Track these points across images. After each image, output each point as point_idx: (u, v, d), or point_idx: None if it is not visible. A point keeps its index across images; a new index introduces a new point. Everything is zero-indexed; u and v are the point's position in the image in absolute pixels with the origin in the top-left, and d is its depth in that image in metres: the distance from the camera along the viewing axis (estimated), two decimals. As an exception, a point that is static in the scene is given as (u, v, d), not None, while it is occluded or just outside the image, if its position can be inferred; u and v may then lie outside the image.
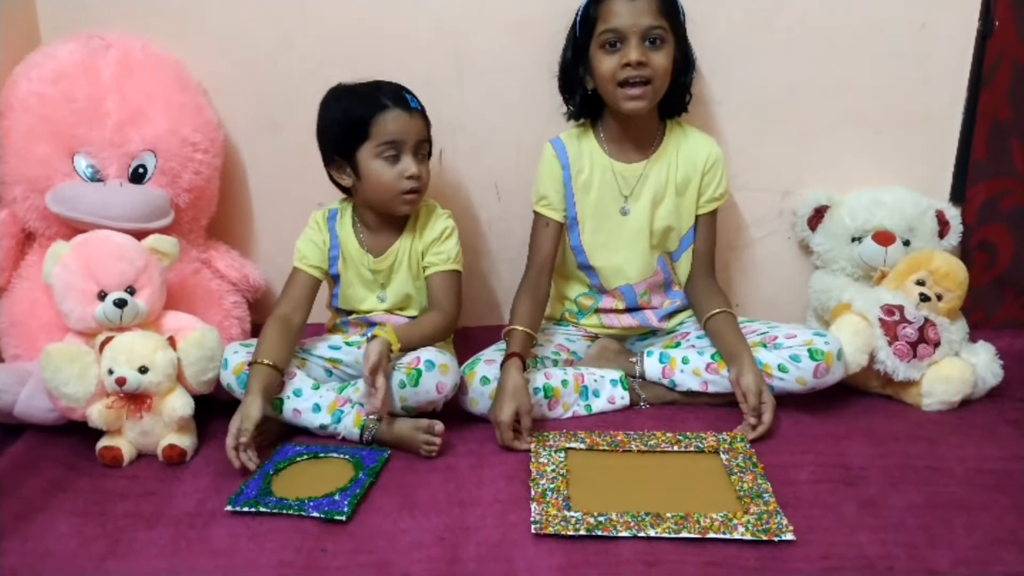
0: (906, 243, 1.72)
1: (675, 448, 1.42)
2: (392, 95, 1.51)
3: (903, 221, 1.71)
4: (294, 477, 1.36)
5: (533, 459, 1.38)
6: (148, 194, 1.59)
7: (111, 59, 1.61)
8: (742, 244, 1.86)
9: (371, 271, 1.59)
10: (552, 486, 1.30)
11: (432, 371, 1.43)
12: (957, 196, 1.80)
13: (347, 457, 1.41)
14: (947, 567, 1.13)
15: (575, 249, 1.66)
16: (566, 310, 1.73)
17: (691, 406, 1.57)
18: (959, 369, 1.57)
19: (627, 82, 1.50)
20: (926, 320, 1.59)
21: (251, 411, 1.36)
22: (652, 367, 1.59)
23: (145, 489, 1.35)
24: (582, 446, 1.43)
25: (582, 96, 1.60)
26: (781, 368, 1.49)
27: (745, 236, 1.86)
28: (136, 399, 1.42)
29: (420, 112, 1.53)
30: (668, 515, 1.22)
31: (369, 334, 1.60)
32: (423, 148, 1.54)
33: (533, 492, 1.29)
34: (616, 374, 1.60)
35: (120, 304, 1.44)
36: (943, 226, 1.75)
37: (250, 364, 1.43)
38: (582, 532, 1.19)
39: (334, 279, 1.62)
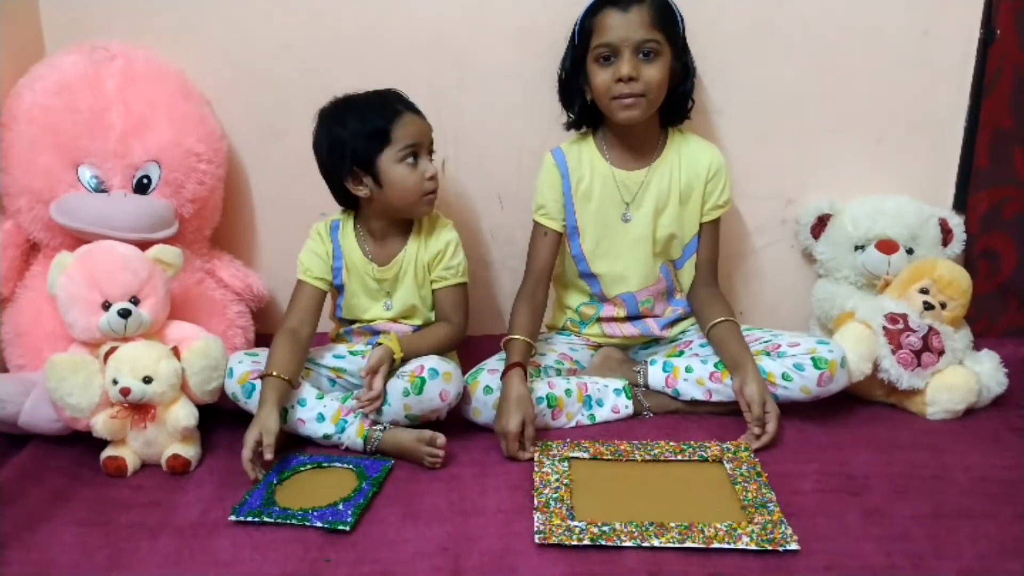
0: (909, 251, 1.72)
1: (679, 457, 1.42)
2: (400, 101, 1.53)
3: (906, 229, 1.71)
4: (298, 487, 1.36)
5: (536, 468, 1.38)
6: (152, 204, 1.59)
7: (115, 70, 1.62)
8: (745, 252, 1.86)
9: (376, 280, 1.59)
10: (555, 496, 1.30)
11: (436, 379, 1.43)
12: (960, 204, 1.80)
13: (351, 467, 1.41)
14: (952, 576, 1.13)
15: (576, 257, 1.66)
16: (568, 319, 1.73)
17: (695, 415, 1.57)
18: (963, 377, 1.57)
19: (620, 95, 1.51)
20: (930, 328, 1.59)
21: (270, 424, 1.36)
22: (655, 376, 1.59)
23: (149, 499, 1.35)
24: (586, 455, 1.43)
25: (581, 106, 1.61)
26: (785, 377, 1.49)
27: (748, 244, 1.86)
28: (140, 409, 1.42)
29: (422, 114, 1.54)
30: (672, 525, 1.21)
31: (373, 343, 1.60)
32: (432, 149, 1.56)
33: (536, 502, 1.28)
34: (619, 383, 1.60)
35: (124, 314, 1.45)
36: (946, 234, 1.75)
37: (262, 377, 1.44)
38: (586, 542, 1.19)
39: (338, 290, 1.62)
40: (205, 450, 1.48)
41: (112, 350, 1.43)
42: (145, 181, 1.61)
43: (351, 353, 1.61)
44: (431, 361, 1.46)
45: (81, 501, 1.35)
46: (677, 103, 1.60)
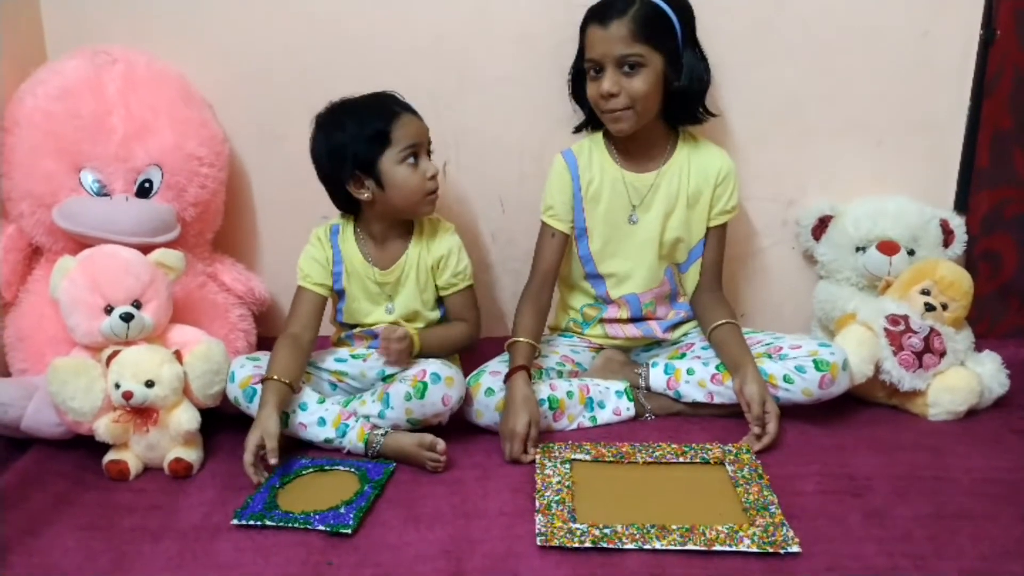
0: (910, 252, 1.72)
1: (680, 459, 1.42)
2: (397, 102, 1.53)
3: (907, 231, 1.71)
4: (300, 490, 1.36)
5: (538, 471, 1.38)
6: (154, 208, 1.60)
7: (116, 74, 1.62)
8: (746, 254, 1.86)
9: (378, 284, 1.59)
10: (557, 498, 1.30)
11: (438, 383, 1.43)
12: (961, 205, 1.79)
13: (353, 470, 1.41)
14: (954, 578, 1.13)
15: (583, 258, 1.66)
16: (570, 320, 1.73)
17: (696, 417, 1.57)
18: (965, 379, 1.57)
19: (607, 110, 1.52)
20: (931, 330, 1.59)
21: (270, 427, 1.36)
22: (657, 378, 1.59)
23: (151, 503, 1.36)
24: (587, 457, 1.43)
25: (589, 109, 1.61)
26: (786, 379, 1.49)
27: (749, 246, 1.86)
28: (143, 413, 1.42)
29: (419, 114, 1.55)
30: (674, 527, 1.21)
31: (375, 346, 1.61)
32: (430, 148, 1.56)
33: (538, 504, 1.29)
34: (621, 385, 1.60)
35: (126, 318, 1.45)
36: (947, 235, 1.75)
37: (263, 380, 1.44)
38: (587, 544, 1.19)
39: (339, 294, 1.62)
40: (207, 454, 1.48)
41: (114, 354, 1.43)
42: (147, 185, 1.61)
43: (352, 357, 1.61)
44: (433, 366, 1.46)
45: (83, 505, 1.35)
46: (680, 105, 1.58)
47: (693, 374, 1.56)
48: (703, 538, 1.19)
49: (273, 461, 1.35)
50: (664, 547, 1.18)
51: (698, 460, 1.41)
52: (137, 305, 1.47)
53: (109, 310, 1.45)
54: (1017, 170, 1.76)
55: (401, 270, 1.59)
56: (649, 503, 1.30)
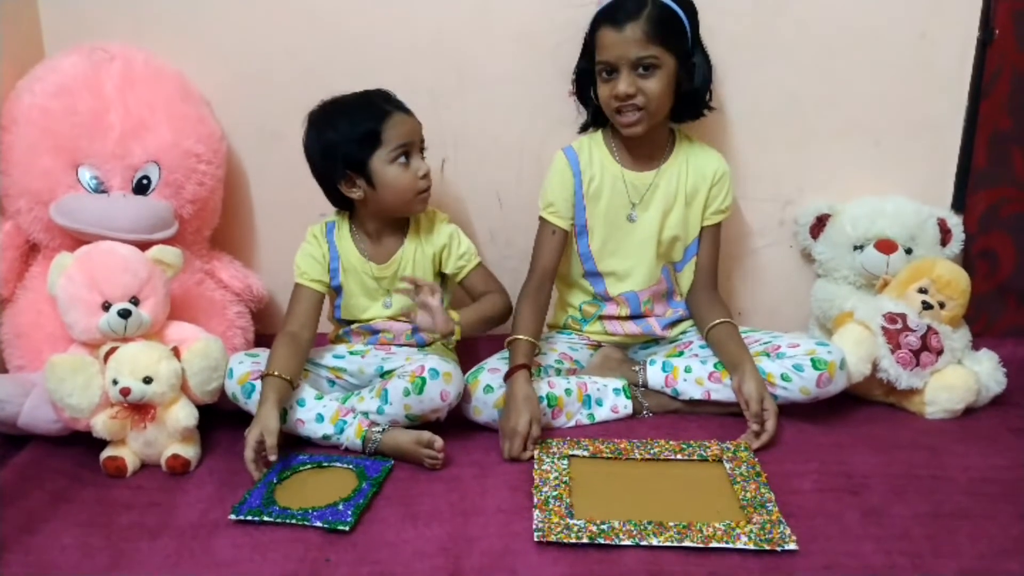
0: (908, 251, 1.72)
1: (678, 457, 1.42)
2: (388, 101, 1.53)
3: (904, 230, 1.72)
4: (298, 487, 1.36)
5: (536, 467, 1.38)
6: (152, 205, 1.59)
7: (114, 71, 1.62)
8: (744, 253, 1.86)
9: (375, 279, 1.60)
10: (555, 494, 1.30)
11: (436, 379, 1.43)
12: (958, 204, 1.80)
13: (351, 467, 1.41)
14: (951, 576, 1.13)
15: (583, 256, 1.66)
16: (569, 317, 1.73)
17: (694, 415, 1.57)
18: (962, 377, 1.57)
19: (621, 110, 1.52)
20: (929, 328, 1.59)
21: (270, 423, 1.36)
22: (655, 376, 1.59)
23: (149, 499, 1.35)
24: (585, 454, 1.43)
25: (594, 109, 1.62)
26: (784, 378, 1.49)
27: (747, 245, 1.86)
28: (140, 409, 1.42)
29: (412, 112, 1.54)
30: (671, 524, 1.21)
31: (374, 342, 1.61)
32: (423, 146, 1.56)
33: (536, 500, 1.29)
34: (619, 383, 1.60)
35: (124, 315, 1.45)
36: (945, 234, 1.75)
37: (262, 377, 1.44)
38: (584, 540, 1.19)
39: (336, 291, 1.62)
40: (205, 450, 1.48)
41: (112, 351, 1.43)
42: (145, 182, 1.61)
43: (351, 353, 1.61)
44: (431, 362, 1.46)
45: (81, 502, 1.35)
46: (686, 104, 1.59)
47: (691, 372, 1.56)
48: (700, 535, 1.19)
49: (272, 458, 1.35)
50: (661, 544, 1.18)
51: (696, 457, 1.41)
52: (135, 302, 1.47)
53: (107, 307, 1.45)
54: (1015, 170, 1.76)
55: (398, 265, 1.59)
56: (647, 500, 1.30)
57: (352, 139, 1.49)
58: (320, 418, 1.47)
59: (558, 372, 1.62)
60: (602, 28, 1.50)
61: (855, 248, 1.74)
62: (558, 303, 1.76)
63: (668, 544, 1.18)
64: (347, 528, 1.24)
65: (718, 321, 1.59)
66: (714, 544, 1.18)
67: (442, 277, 1.65)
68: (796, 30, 1.71)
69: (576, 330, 1.72)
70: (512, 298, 1.63)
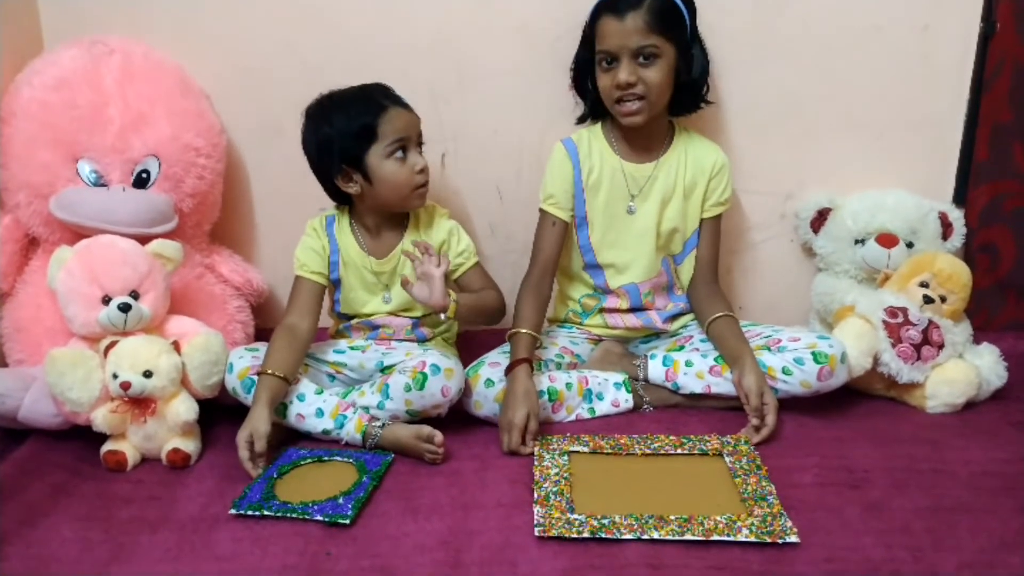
0: (909, 245, 1.72)
1: (679, 451, 1.42)
2: (386, 95, 1.52)
3: (905, 224, 1.71)
4: (298, 481, 1.36)
5: (536, 462, 1.38)
6: (151, 199, 1.59)
7: (113, 65, 1.62)
8: (745, 247, 1.86)
9: (374, 273, 1.59)
10: (555, 489, 1.30)
11: (437, 375, 1.43)
12: (959, 198, 1.80)
13: (351, 460, 1.41)
14: (952, 570, 1.13)
15: (583, 248, 1.66)
16: (570, 310, 1.73)
17: (695, 409, 1.57)
18: (963, 371, 1.57)
19: (622, 99, 1.51)
20: (930, 322, 1.59)
21: (260, 426, 1.37)
22: (656, 370, 1.59)
23: (149, 494, 1.35)
24: (586, 449, 1.43)
25: (592, 101, 1.62)
26: (785, 371, 1.49)
27: (748, 239, 1.86)
28: (140, 403, 1.42)
29: (410, 107, 1.54)
30: (672, 518, 1.21)
31: (374, 337, 1.60)
32: (421, 141, 1.55)
33: (536, 495, 1.29)
34: (620, 377, 1.60)
35: (124, 309, 1.45)
36: (946, 228, 1.75)
37: (258, 374, 1.44)
38: (585, 535, 1.19)
39: (335, 284, 1.62)
40: (205, 444, 1.48)
41: (112, 344, 1.43)
42: (144, 176, 1.60)
43: (351, 348, 1.61)
44: (432, 357, 1.46)
45: (81, 496, 1.35)
46: (685, 95, 1.59)
47: (691, 366, 1.56)
48: (701, 528, 1.19)
49: (261, 461, 1.36)
50: (662, 537, 1.18)
51: (696, 451, 1.41)
52: (135, 295, 1.47)
53: (107, 300, 1.45)
54: (1016, 164, 1.76)
55: (397, 259, 1.59)
56: (647, 494, 1.30)
57: (348, 134, 1.49)
58: (320, 413, 1.47)
59: (559, 366, 1.62)
60: (603, 17, 1.50)
61: (856, 242, 1.74)
62: (559, 297, 1.75)
63: (669, 537, 1.18)
64: (347, 522, 1.24)
65: (718, 315, 1.59)
66: (715, 537, 1.18)
67: None
68: (797, 24, 1.70)
69: (577, 324, 1.72)
70: (511, 296, 1.63)
